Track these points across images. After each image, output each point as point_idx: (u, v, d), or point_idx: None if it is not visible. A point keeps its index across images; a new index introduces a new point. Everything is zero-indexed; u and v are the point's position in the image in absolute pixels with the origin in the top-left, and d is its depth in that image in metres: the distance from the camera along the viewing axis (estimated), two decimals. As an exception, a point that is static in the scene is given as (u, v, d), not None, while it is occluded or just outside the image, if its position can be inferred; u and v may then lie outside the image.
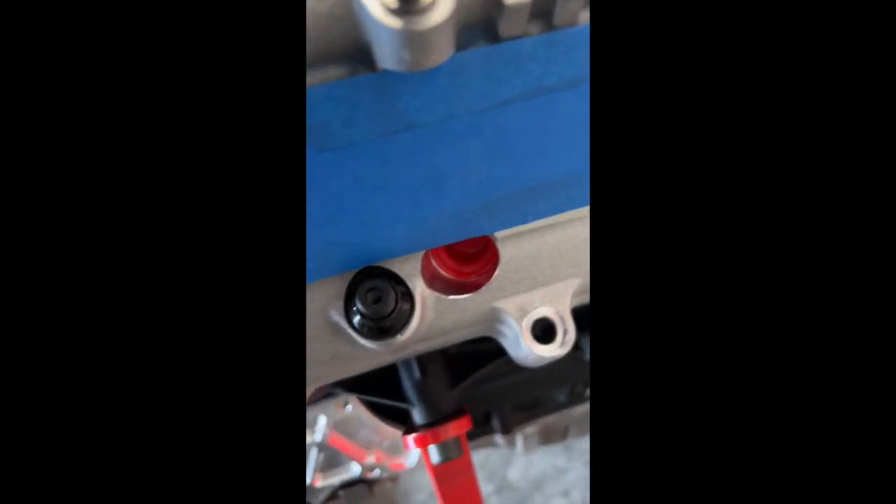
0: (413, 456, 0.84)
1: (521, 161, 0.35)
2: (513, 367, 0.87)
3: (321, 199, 0.33)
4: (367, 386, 0.76)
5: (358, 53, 0.27)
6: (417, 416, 0.57)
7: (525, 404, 0.96)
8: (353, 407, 0.76)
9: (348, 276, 0.41)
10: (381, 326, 0.40)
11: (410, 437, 0.53)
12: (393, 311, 0.39)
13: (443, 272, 0.44)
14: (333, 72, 0.27)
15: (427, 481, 1.51)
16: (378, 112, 0.29)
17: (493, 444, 1.07)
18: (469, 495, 0.67)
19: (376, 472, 0.84)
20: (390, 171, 0.33)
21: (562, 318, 0.45)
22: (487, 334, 0.50)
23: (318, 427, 0.77)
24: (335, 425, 0.78)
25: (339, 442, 0.80)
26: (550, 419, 1.02)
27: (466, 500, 0.67)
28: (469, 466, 0.65)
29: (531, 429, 1.10)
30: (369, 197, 0.34)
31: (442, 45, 0.25)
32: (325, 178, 0.32)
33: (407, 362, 0.58)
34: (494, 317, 0.46)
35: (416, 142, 0.31)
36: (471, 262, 0.46)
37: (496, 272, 0.44)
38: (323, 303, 0.41)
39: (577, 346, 0.86)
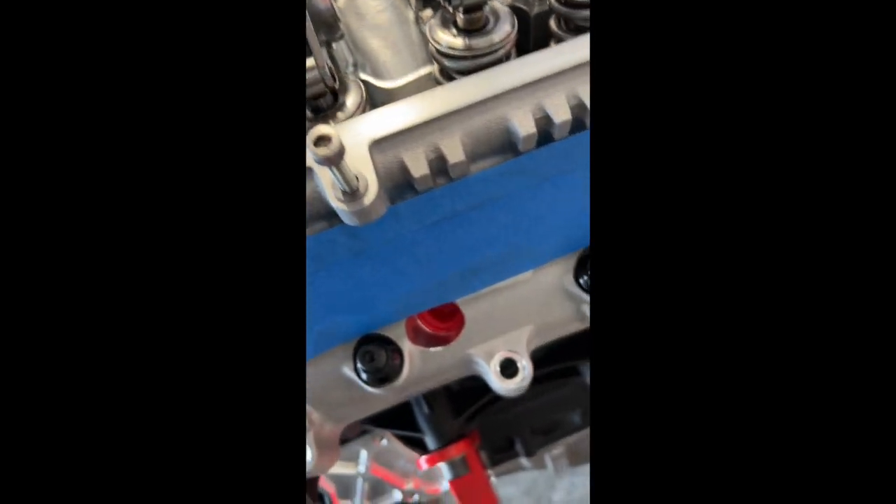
0: (445, 481, 0.97)
1: (458, 253, 0.50)
2: (525, 396, 1.00)
3: (321, 299, 0.48)
4: (398, 422, 0.90)
5: (331, 214, 0.43)
6: (430, 442, 0.70)
7: (543, 428, 1.07)
8: (387, 441, 0.90)
9: (354, 343, 0.56)
10: (379, 377, 0.55)
11: (423, 459, 0.67)
12: (385, 365, 0.54)
13: (427, 330, 0.59)
14: (319, 225, 0.43)
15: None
16: (351, 244, 0.45)
17: (523, 468, 1.18)
18: (484, 498, 0.79)
19: (415, 498, 0.98)
20: (363, 277, 0.48)
21: (521, 358, 0.59)
22: (470, 374, 0.64)
23: (361, 459, 0.92)
24: (375, 458, 0.93)
25: (381, 472, 0.94)
26: (573, 441, 1.13)
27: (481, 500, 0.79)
28: (484, 483, 0.78)
29: (557, 451, 1.21)
30: (353, 294, 0.50)
31: (376, 210, 0.40)
32: (323, 286, 0.47)
33: (417, 400, 0.72)
34: (469, 360, 0.60)
35: (379, 255, 0.47)
36: (447, 320, 0.60)
37: (464, 328, 0.58)
38: (337, 363, 0.57)
39: (577, 372, 0.98)
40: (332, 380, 0.57)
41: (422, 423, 0.72)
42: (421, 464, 0.67)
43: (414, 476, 0.98)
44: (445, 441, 0.69)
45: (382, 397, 0.59)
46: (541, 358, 0.79)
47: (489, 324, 0.59)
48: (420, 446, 0.91)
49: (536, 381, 0.99)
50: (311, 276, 0.45)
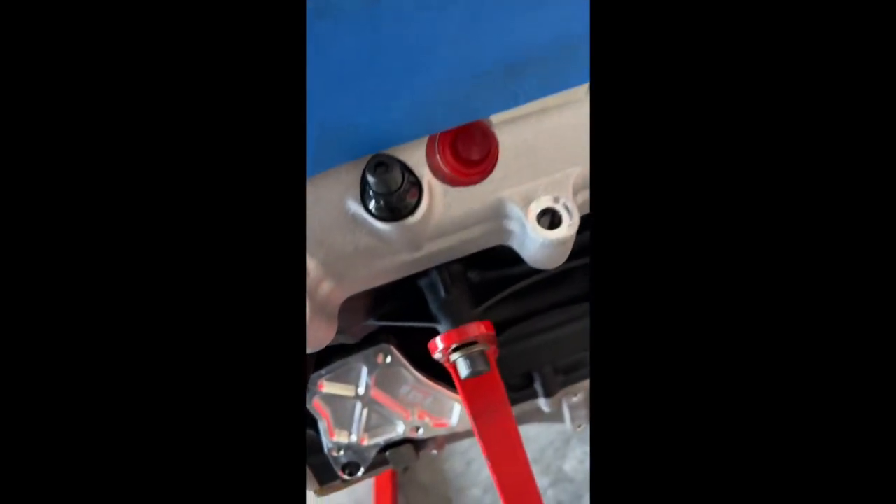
0: (455, 414, 0.85)
1: (500, 31, 0.39)
2: (549, 324, 0.89)
3: (322, 75, 0.38)
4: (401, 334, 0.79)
5: None
6: (443, 329, 0.60)
7: (565, 367, 0.96)
8: (391, 358, 0.79)
9: (361, 166, 0.46)
10: (393, 204, 0.44)
11: (437, 339, 0.56)
12: (401, 187, 0.43)
13: (450, 172, 0.48)
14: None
15: (483, 476, 1.50)
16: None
17: (540, 412, 1.07)
18: (501, 416, 0.68)
19: (420, 432, 0.86)
20: (380, 43, 0.38)
21: (565, 206, 0.48)
22: (500, 242, 0.53)
23: (361, 379, 0.81)
24: (377, 381, 0.81)
25: (382, 398, 0.83)
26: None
27: (497, 418, 0.68)
28: (502, 392, 0.67)
29: (577, 398, 1.09)
30: (365, 72, 0.39)
31: None
32: (325, 51, 0.37)
33: (433, 286, 0.62)
34: (501, 211, 0.49)
35: (399, 10, 0.36)
36: (474, 165, 0.49)
37: (498, 160, 0.47)
38: (340, 192, 0.46)
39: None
40: (335, 215, 0.47)
41: (437, 311, 0.61)
42: (436, 345, 0.56)
43: (419, 406, 0.87)
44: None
45: (394, 248, 0.49)
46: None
47: (528, 160, 0.48)
48: (434, 372, 0.80)
49: (561, 304, 0.88)
50: (312, 26, 0.35)
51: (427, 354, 0.85)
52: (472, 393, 0.63)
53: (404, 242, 0.48)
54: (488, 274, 0.64)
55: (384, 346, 0.78)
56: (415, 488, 1.48)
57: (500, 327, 0.86)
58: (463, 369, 0.57)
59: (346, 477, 0.88)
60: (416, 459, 0.92)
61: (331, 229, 0.47)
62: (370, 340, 0.79)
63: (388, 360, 0.79)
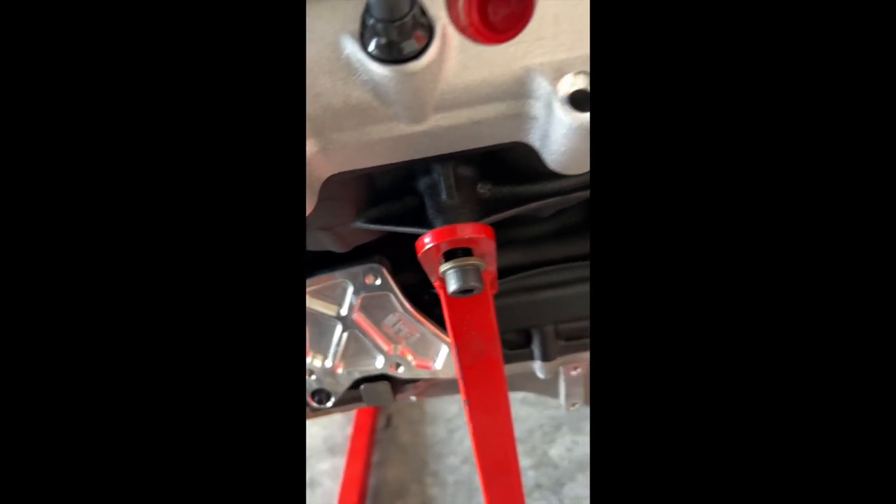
0: (442, 358, 0.78)
1: None
2: (558, 280, 0.80)
3: None
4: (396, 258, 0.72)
5: None
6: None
7: (568, 332, 0.88)
8: (381, 281, 0.72)
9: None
10: (393, 39, 0.36)
11: (426, 237, 0.48)
12: (406, 16, 0.35)
13: (468, 19, 0.40)
14: None
15: (464, 447, 1.42)
16: None
17: (534, 383, 0.99)
18: (488, 355, 0.61)
19: (401, 370, 0.79)
20: None
21: (603, 90, 0.40)
22: (516, 138, 0.45)
23: (346, 298, 0.74)
24: (362, 304, 0.74)
25: (365, 325, 0.76)
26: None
27: (484, 358, 0.61)
28: (491, 319, 0.59)
29: (576, 373, 1.01)
30: None
31: None
32: None
33: (434, 188, 0.54)
34: (526, 86, 0.41)
35: None
36: (503, 22, 0.41)
37: (531, 19, 0.39)
38: (336, 27, 0.38)
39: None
40: (327, 55, 0.39)
41: (433, 216, 0.53)
42: (422, 244, 0.48)
43: (404, 342, 0.79)
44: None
45: (391, 111, 0.41)
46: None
47: (569, 27, 0.40)
48: (426, 311, 0.73)
49: (573, 259, 0.80)
50: None
51: (421, 291, 0.78)
52: (460, 318, 0.56)
53: (404, 103, 0.40)
54: (501, 190, 0.55)
55: (375, 266, 0.71)
56: (394, 447, 1.42)
57: (503, 273, 0.78)
58: (452, 283, 0.49)
59: (314, 405, 0.81)
60: (393, 401, 0.85)
61: (320, 73, 0.39)
62: (360, 257, 0.71)
63: (378, 282, 0.72)
